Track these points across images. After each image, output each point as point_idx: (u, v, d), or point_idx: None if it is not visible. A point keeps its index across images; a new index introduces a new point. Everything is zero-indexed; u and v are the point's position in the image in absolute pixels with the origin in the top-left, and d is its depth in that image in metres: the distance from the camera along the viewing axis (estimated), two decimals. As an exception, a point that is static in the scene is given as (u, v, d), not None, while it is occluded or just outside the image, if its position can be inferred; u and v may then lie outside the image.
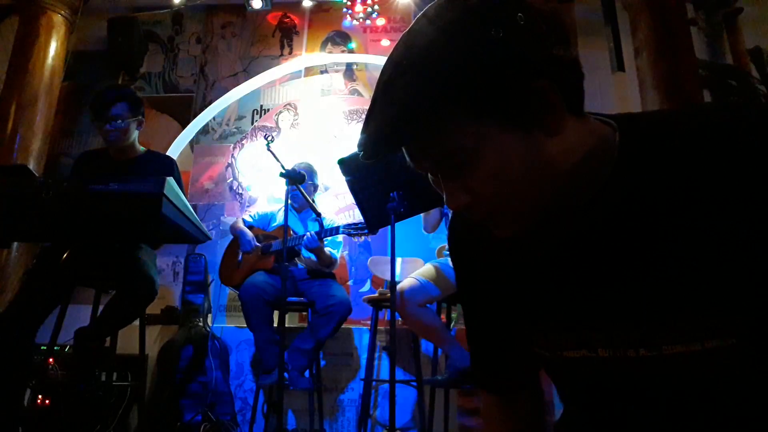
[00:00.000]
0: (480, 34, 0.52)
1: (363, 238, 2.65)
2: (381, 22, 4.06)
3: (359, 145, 0.59)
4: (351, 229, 2.65)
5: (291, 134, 3.89)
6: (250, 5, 4.00)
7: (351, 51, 4.10)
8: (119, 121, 2.28)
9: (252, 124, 3.96)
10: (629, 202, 0.56)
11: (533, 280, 0.66)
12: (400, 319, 2.57)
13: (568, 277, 0.62)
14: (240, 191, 3.81)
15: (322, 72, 4.07)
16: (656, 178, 0.55)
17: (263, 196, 3.77)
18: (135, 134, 2.40)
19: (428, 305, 2.48)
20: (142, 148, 2.46)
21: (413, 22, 0.58)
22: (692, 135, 0.55)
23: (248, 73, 4.08)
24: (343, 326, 2.80)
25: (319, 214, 2.57)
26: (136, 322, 2.33)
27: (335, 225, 2.78)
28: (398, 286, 2.40)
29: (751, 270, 0.51)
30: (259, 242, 2.99)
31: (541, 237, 0.63)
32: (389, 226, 2.09)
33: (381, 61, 4.00)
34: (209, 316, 3.39)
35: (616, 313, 0.58)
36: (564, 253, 0.62)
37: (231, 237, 3.15)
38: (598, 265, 0.59)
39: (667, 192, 0.54)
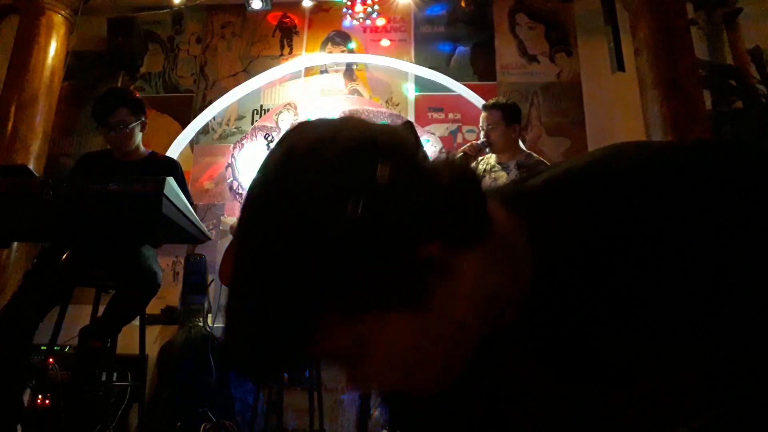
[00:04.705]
0: (332, 216, 0.41)
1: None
2: (381, 22, 4.06)
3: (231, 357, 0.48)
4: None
5: (291, 134, 3.89)
6: (250, 5, 3.99)
7: (351, 51, 4.10)
8: (123, 127, 2.28)
9: (252, 124, 3.96)
10: (551, 322, 0.49)
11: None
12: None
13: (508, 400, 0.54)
14: (240, 191, 3.81)
15: (322, 72, 4.07)
16: (577, 293, 0.47)
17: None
18: (139, 137, 2.39)
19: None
20: (145, 150, 2.45)
21: (251, 194, 0.47)
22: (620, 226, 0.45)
23: (248, 73, 4.08)
24: (343, 326, 2.79)
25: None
26: (136, 322, 2.32)
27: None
28: None
29: (706, 362, 0.44)
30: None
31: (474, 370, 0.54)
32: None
33: (381, 61, 4.03)
34: (209, 316, 3.39)
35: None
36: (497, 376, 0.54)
37: (231, 237, 3.15)
38: (542, 388, 0.52)
39: (596, 302, 0.46)
